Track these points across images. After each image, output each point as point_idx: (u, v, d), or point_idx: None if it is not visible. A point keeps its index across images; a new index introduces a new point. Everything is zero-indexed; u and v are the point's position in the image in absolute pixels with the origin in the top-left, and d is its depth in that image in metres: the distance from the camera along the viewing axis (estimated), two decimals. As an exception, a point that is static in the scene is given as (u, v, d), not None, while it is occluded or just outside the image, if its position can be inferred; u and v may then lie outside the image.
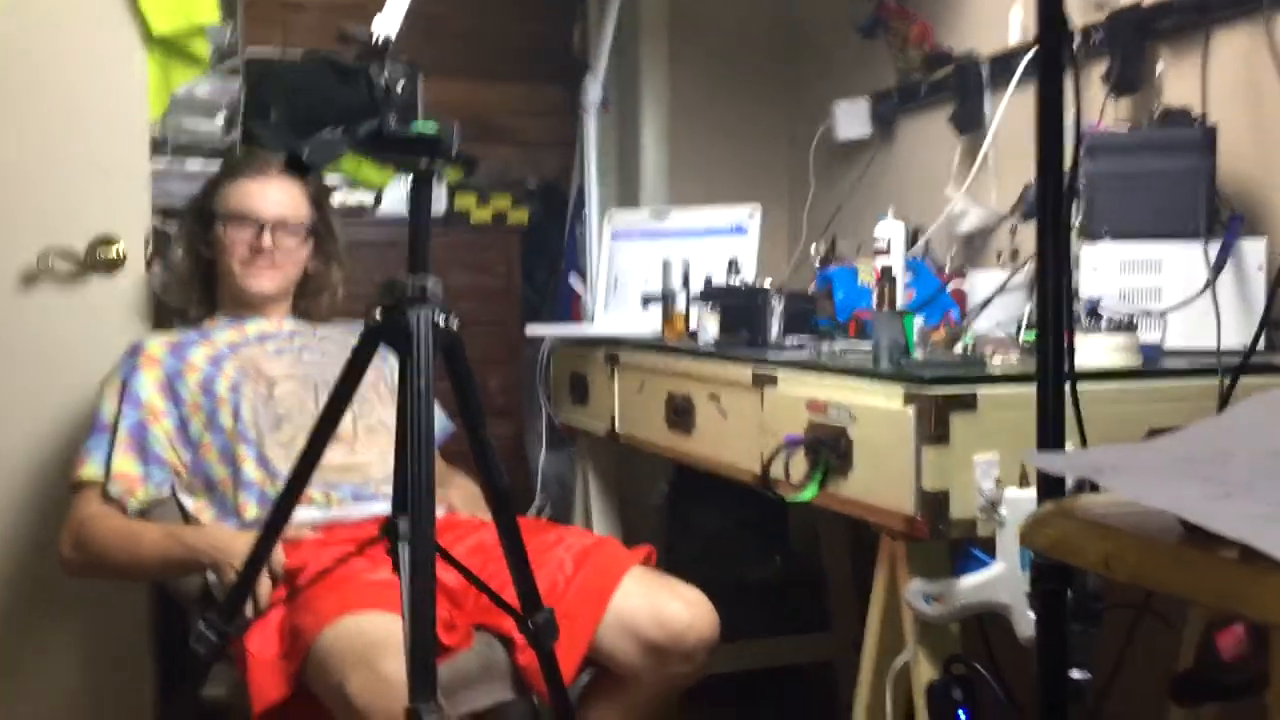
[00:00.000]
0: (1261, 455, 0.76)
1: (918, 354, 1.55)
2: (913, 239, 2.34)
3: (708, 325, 2.02)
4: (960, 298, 2.09)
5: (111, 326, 2.17)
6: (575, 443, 2.63)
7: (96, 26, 2.16)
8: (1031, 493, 1.35)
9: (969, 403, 1.40)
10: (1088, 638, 1.29)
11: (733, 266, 2.12)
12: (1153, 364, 1.58)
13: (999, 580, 1.40)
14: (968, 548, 1.44)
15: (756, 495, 1.73)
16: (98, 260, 2.15)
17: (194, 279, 2.09)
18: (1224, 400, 1.42)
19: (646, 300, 2.28)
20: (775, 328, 1.85)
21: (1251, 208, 1.80)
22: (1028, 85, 2.19)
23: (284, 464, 1.87)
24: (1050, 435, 1.08)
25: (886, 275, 1.88)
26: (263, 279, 2.04)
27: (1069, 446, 1.18)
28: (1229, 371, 1.46)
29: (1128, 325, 1.58)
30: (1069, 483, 1.09)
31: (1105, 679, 1.55)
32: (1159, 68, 1.90)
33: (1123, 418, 1.46)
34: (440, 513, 2.02)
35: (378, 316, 1.37)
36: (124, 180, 2.18)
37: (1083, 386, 1.22)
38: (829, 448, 1.55)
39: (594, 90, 2.70)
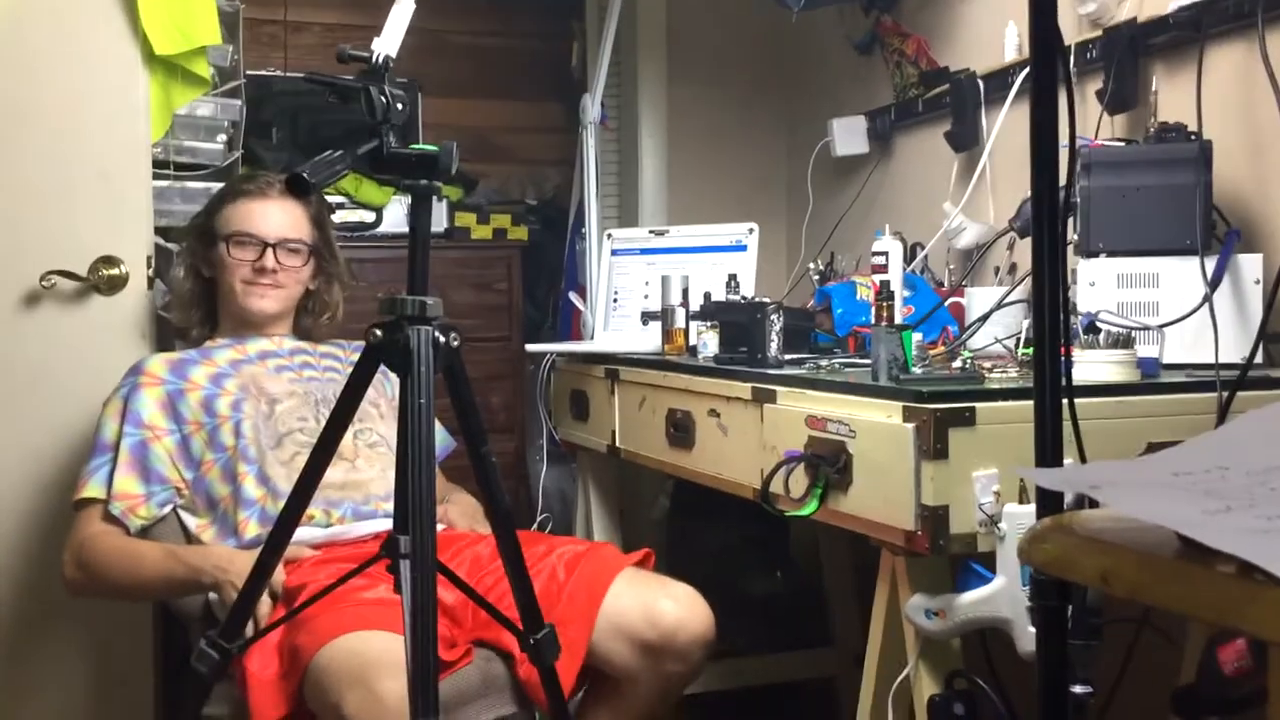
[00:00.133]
0: (1259, 470, 0.76)
1: (916, 369, 1.55)
2: (911, 254, 2.35)
3: (707, 341, 2.03)
4: (958, 313, 2.09)
5: (114, 346, 2.18)
6: (576, 459, 2.63)
7: (99, 47, 2.17)
8: (1031, 508, 1.36)
9: (968, 418, 1.41)
10: (1089, 652, 1.29)
11: (732, 282, 2.13)
12: (1151, 378, 1.59)
13: (999, 595, 1.40)
14: (968, 563, 1.44)
15: (758, 511, 1.74)
16: (100, 280, 2.15)
17: (196, 299, 2.10)
18: (1222, 414, 1.43)
19: (646, 317, 2.28)
20: (775, 344, 1.85)
21: (1247, 222, 1.81)
22: (1023, 101, 2.21)
23: (285, 482, 1.88)
24: (1048, 451, 1.08)
25: (885, 291, 1.88)
26: (265, 299, 2.05)
27: (1067, 461, 1.18)
28: (1227, 385, 1.46)
29: (1125, 340, 1.58)
30: (1067, 498, 1.09)
31: (1107, 693, 1.55)
32: (1154, 83, 1.91)
33: (1121, 432, 1.47)
34: (438, 529, 2.03)
35: (378, 334, 1.38)
36: (126, 200, 2.19)
37: (1081, 401, 1.22)
38: (829, 463, 1.55)
39: (593, 107, 2.71)
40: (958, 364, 1.66)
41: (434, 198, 1.42)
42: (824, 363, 1.87)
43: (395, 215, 3.07)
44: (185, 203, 2.39)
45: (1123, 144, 1.86)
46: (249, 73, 2.66)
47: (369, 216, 3.09)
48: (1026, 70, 2.20)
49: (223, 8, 2.36)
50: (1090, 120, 2.02)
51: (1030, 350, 1.66)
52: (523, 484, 3.22)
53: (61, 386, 2.16)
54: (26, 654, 2.18)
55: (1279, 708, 0.65)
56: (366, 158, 1.38)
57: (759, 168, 3.30)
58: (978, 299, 2.02)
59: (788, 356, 1.88)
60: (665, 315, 2.18)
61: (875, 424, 1.49)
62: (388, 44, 1.41)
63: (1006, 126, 2.28)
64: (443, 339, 1.38)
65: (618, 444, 2.28)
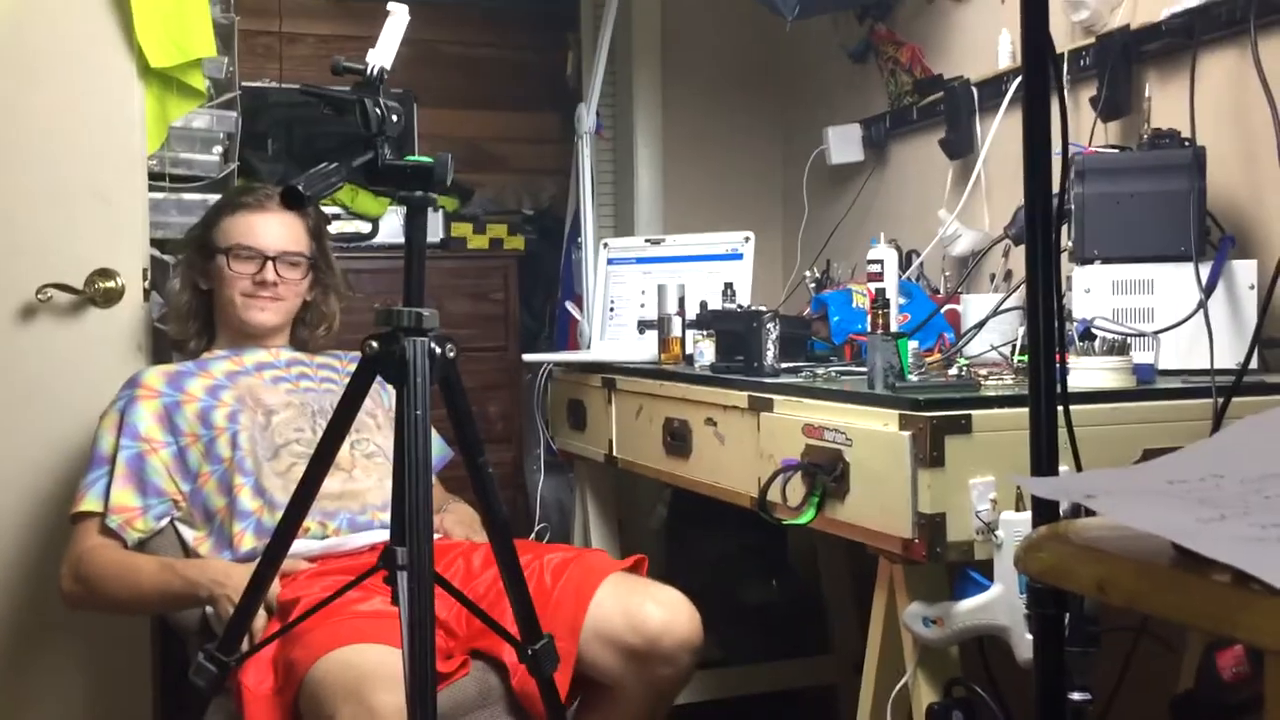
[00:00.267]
0: (1254, 477, 0.76)
1: (912, 377, 1.56)
2: (906, 262, 2.36)
3: (704, 350, 2.03)
4: (954, 320, 2.09)
5: (110, 359, 2.18)
6: (574, 468, 2.63)
7: (94, 60, 2.17)
8: (1028, 515, 1.36)
9: (964, 426, 1.41)
10: (1087, 659, 1.29)
11: (728, 291, 2.13)
12: (1146, 385, 1.59)
13: (997, 603, 1.41)
14: (965, 571, 1.44)
15: (755, 519, 1.73)
16: (96, 293, 2.15)
17: (193, 311, 2.10)
18: (1218, 420, 1.43)
19: (643, 326, 2.28)
20: (771, 352, 1.85)
21: (1241, 228, 1.81)
22: (1017, 109, 2.20)
23: (281, 493, 1.88)
24: (1044, 458, 1.08)
25: (880, 298, 1.89)
26: (266, 312, 2.05)
27: (1063, 469, 1.18)
28: (1222, 391, 1.46)
29: (1121, 346, 1.58)
30: (1063, 506, 1.09)
31: (1105, 700, 1.55)
32: (1147, 90, 1.92)
33: (1117, 439, 1.47)
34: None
35: (374, 346, 1.38)
36: (122, 213, 2.19)
37: (1076, 408, 1.23)
38: (826, 472, 1.55)
39: (588, 117, 2.72)
40: (954, 371, 1.66)
41: (429, 209, 1.42)
42: (820, 371, 1.87)
43: (392, 226, 3.07)
44: (181, 215, 2.39)
45: (1116, 151, 1.87)
46: (244, 84, 2.66)
47: (365, 227, 3.09)
48: (1020, 78, 2.21)
49: (218, 20, 2.36)
50: (1084, 127, 2.03)
51: (1026, 357, 1.67)
52: (520, 493, 3.22)
53: (58, 399, 2.16)
54: (24, 666, 2.17)
55: (1276, 713, 0.65)
56: (362, 170, 1.38)
57: (754, 176, 3.31)
58: (973, 306, 2.03)
59: (784, 365, 1.88)
60: (662, 324, 2.18)
61: (872, 432, 1.49)
62: (382, 56, 1.41)
63: (1001, 134, 2.29)
64: (439, 350, 1.38)
65: (615, 453, 2.28)
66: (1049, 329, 1.07)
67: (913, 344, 1.60)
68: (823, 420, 1.58)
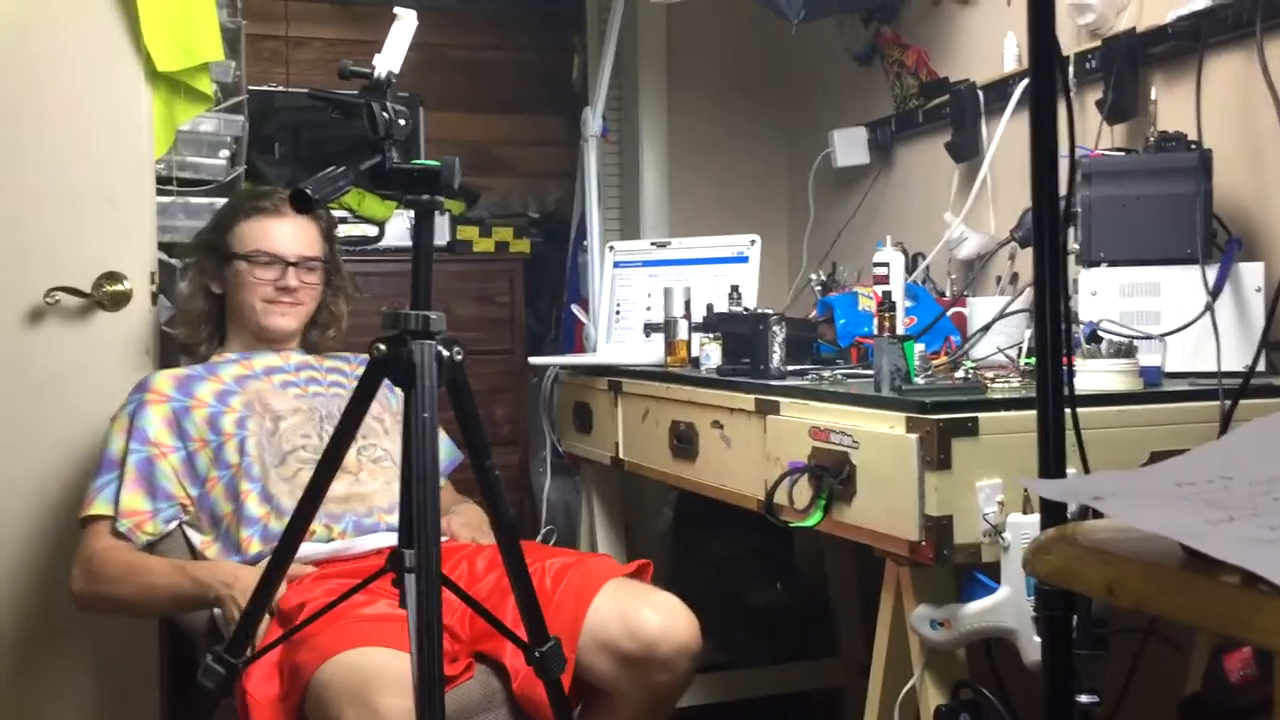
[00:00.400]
0: (1262, 479, 0.76)
1: (919, 380, 1.56)
2: (912, 265, 2.36)
3: (710, 353, 2.03)
4: (960, 323, 2.09)
5: (118, 362, 2.18)
6: (580, 471, 2.63)
7: (102, 65, 2.18)
8: (1035, 518, 1.36)
9: (970, 428, 1.41)
10: (1095, 662, 1.29)
11: (734, 294, 2.13)
12: (1153, 387, 1.59)
13: (1004, 605, 1.41)
14: (972, 573, 1.45)
15: (761, 522, 1.74)
16: (104, 296, 2.16)
17: (205, 316, 2.10)
18: (1225, 423, 1.43)
19: (649, 329, 2.29)
20: (777, 355, 1.85)
21: (1248, 230, 1.81)
22: (1023, 111, 2.21)
23: (288, 499, 1.88)
24: (1051, 461, 1.08)
25: (887, 301, 1.89)
26: (286, 317, 2.06)
27: (1070, 471, 1.18)
28: (1229, 394, 1.46)
29: (1127, 349, 1.58)
30: (1071, 508, 1.09)
31: (1113, 703, 1.55)
32: (1153, 93, 1.92)
33: (1124, 441, 1.47)
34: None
35: (382, 349, 1.38)
36: (130, 216, 2.20)
37: (1083, 411, 1.23)
38: (832, 474, 1.55)
39: (594, 120, 2.72)
40: (960, 374, 1.66)
41: (436, 212, 1.42)
42: (827, 374, 1.87)
43: (398, 229, 3.07)
44: (189, 218, 2.40)
45: (1123, 154, 1.87)
46: (251, 88, 2.67)
47: (372, 231, 3.10)
48: (1026, 81, 2.21)
49: (225, 24, 2.37)
50: (1090, 130, 2.03)
51: (1032, 360, 1.67)
52: (527, 496, 3.22)
53: (65, 402, 2.16)
54: (33, 668, 2.18)
55: (1284, 717, 0.65)
56: (369, 173, 1.39)
57: (760, 179, 3.31)
58: (979, 309, 2.03)
59: (790, 368, 1.88)
60: (668, 327, 2.18)
61: (878, 435, 1.49)
62: (390, 60, 1.42)
63: (1006, 137, 2.29)
64: (446, 353, 1.39)
65: (621, 456, 2.28)
66: (1056, 331, 1.07)
67: (919, 347, 1.60)
68: (829, 423, 1.58)
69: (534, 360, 2.66)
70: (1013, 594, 1.40)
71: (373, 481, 1.98)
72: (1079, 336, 1.62)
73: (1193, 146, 1.78)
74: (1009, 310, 1.90)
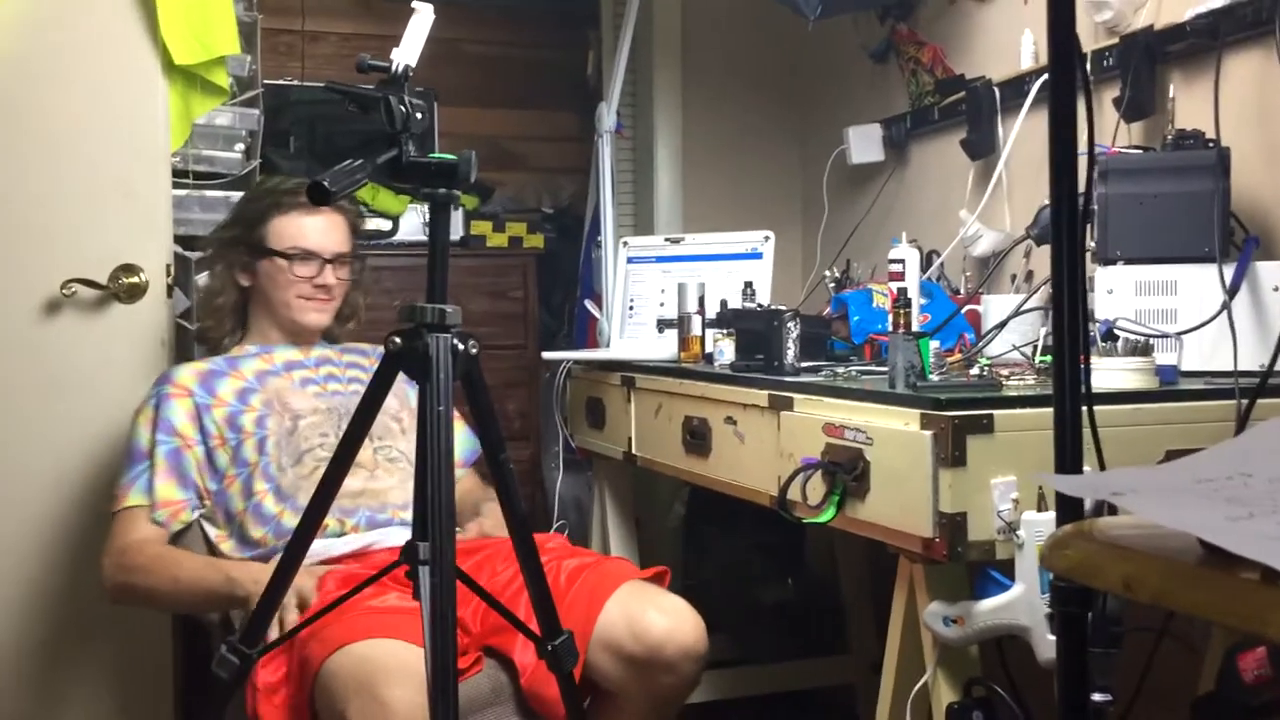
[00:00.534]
0: (1281, 477, 0.76)
1: (934, 377, 1.55)
2: (927, 262, 2.35)
3: (724, 349, 2.03)
4: (975, 320, 2.09)
5: (133, 354, 2.19)
6: (592, 466, 2.63)
7: (119, 58, 2.19)
8: (1050, 515, 1.35)
9: (985, 425, 1.41)
10: (1108, 660, 1.29)
11: (748, 290, 2.13)
12: (1169, 386, 1.59)
13: (1018, 603, 1.40)
14: (986, 570, 1.44)
15: (773, 518, 1.73)
16: (120, 288, 2.17)
17: (232, 308, 2.08)
18: (1242, 422, 1.42)
19: (662, 324, 2.29)
20: (791, 351, 1.85)
21: (1266, 229, 1.80)
22: (1039, 109, 2.21)
23: (303, 496, 1.88)
24: (1068, 457, 1.08)
25: (902, 298, 1.89)
26: (322, 313, 2.05)
27: (1086, 469, 1.18)
28: (1246, 393, 1.46)
29: (1144, 347, 1.58)
30: (1087, 505, 1.09)
31: (1126, 702, 1.55)
32: (1171, 91, 1.91)
33: (1139, 440, 1.47)
34: (472, 533, 2.03)
35: (397, 342, 1.39)
36: (146, 209, 2.21)
37: (1099, 409, 1.22)
38: (846, 470, 1.55)
39: (608, 116, 2.72)
40: (975, 371, 1.66)
41: (452, 206, 1.42)
42: (841, 370, 1.87)
43: (412, 224, 3.08)
44: (204, 211, 2.41)
45: (1140, 151, 1.86)
46: (266, 82, 2.67)
47: (385, 225, 3.10)
48: (1043, 78, 2.20)
49: (241, 18, 2.38)
50: (1107, 128, 2.02)
51: (1047, 358, 1.66)
52: (539, 491, 3.23)
53: (82, 393, 2.17)
54: (51, 657, 2.19)
55: (1302, 715, 0.65)
56: (386, 166, 1.39)
57: (774, 176, 3.31)
58: (994, 307, 2.02)
59: (804, 364, 1.88)
60: (681, 323, 2.19)
61: (893, 431, 1.49)
62: (407, 53, 1.42)
63: (1022, 134, 2.28)
64: (461, 346, 1.39)
65: (634, 451, 2.28)
66: (1074, 329, 1.07)
67: (934, 344, 1.60)
68: (843, 419, 1.58)
69: (547, 355, 2.67)
70: (1026, 591, 1.40)
71: (388, 478, 1.98)
72: (1095, 334, 1.61)
73: (1210, 144, 1.77)
74: (1024, 308, 1.90)
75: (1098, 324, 1.65)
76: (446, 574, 1.32)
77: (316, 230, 2.03)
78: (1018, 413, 1.43)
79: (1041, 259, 2.14)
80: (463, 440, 2.11)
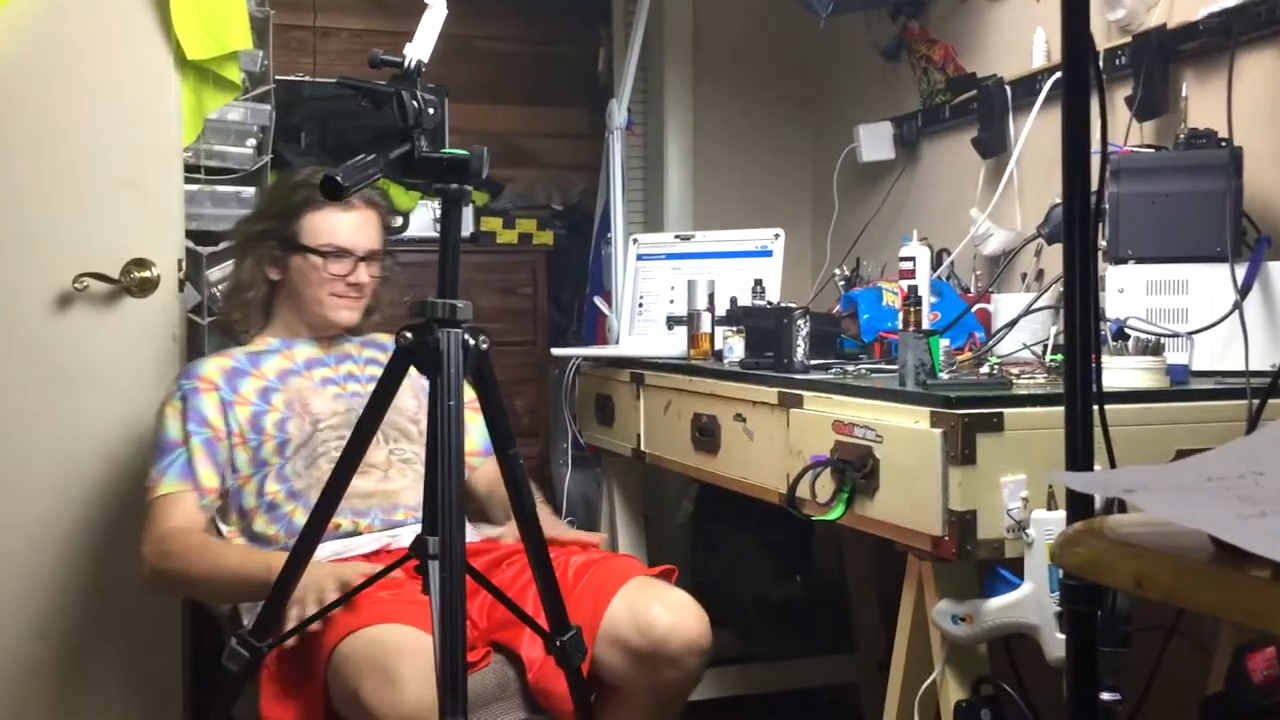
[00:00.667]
0: (1293, 476, 0.76)
1: (944, 375, 1.55)
2: (937, 261, 2.35)
3: (733, 346, 2.03)
4: (985, 319, 2.09)
5: (145, 347, 2.20)
6: (601, 463, 2.64)
7: (132, 53, 2.19)
8: (1059, 514, 1.35)
9: (995, 424, 1.41)
10: (1117, 659, 1.28)
11: (758, 287, 2.13)
12: (1180, 385, 1.58)
13: (1027, 601, 1.40)
14: (995, 568, 1.44)
15: (781, 515, 1.74)
16: (132, 282, 2.18)
17: (261, 301, 2.07)
18: (1253, 422, 1.42)
19: (672, 321, 2.29)
20: (801, 348, 1.85)
21: (1278, 229, 1.80)
22: (1051, 108, 2.20)
23: (314, 495, 1.88)
24: (1079, 456, 1.08)
25: (912, 296, 1.89)
26: (353, 310, 2.05)
27: (1096, 468, 1.18)
28: (1257, 393, 1.45)
29: (1155, 347, 1.58)
30: (1097, 503, 1.09)
31: (1135, 701, 1.54)
32: (1183, 90, 1.90)
33: (1150, 439, 1.47)
34: (492, 532, 2.03)
35: (408, 337, 1.39)
36: (158, 203, 2.22)
37: (1110, 408, 1.22)
38: (855, 468, 1.55)
39: (619, 113, 2.72)
40: (985, 370, 1.66)
41: (464, 202, 1.43)
42: (850, 368, 1.87)
43: (422, 220, 3.08)
44: (215, 206, 2.41)
45: (1152, 150, 1.86)
46: (278, 77, 2.68)
47: (396, 221, 3.11)
48: (1055, 76, 2.20)
49: (253, 13, 2.38)
50: (1119, 126, 2.02)
51: (1058, 356, 1.66)
52: (547, 487, 3.23)
53: (93, 387, 2.18)
54: (60, 652, 2.20)
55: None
56: (398, 161, 1.40)
57: (785, 173, 3.30)
58: (1004, 305, 2.02)
59: (814, 362, 1.88)
60: (691, 320, 2.19)
61: (902, 429, 1.49)
62: (420, 49, 1.43)
63: (1034, 133, 2.28)
64: (472, 341, 1.39)
65: (643, 448, 2.29)
66: (1086, 327, 1.07)
67: (944, 342, 1.60)
68: (853, 417, 1.58)
69: (556, 351, 2.67)
70: (1036, 590, 1.39)
71: (400, 479, 1.99)
72: (1106, 333, 1.61)
73: (1223, 144, 1.76)
74: (1035, 307, 1.89)
75: (1109, 323, 1.64)
76: (456, 568, 1.32)
77: (350, 227, 2.01)
78: (1028, 411, 1.43)
79: (1052, 258, 2.13)
80: (483, 429, 2.11)
